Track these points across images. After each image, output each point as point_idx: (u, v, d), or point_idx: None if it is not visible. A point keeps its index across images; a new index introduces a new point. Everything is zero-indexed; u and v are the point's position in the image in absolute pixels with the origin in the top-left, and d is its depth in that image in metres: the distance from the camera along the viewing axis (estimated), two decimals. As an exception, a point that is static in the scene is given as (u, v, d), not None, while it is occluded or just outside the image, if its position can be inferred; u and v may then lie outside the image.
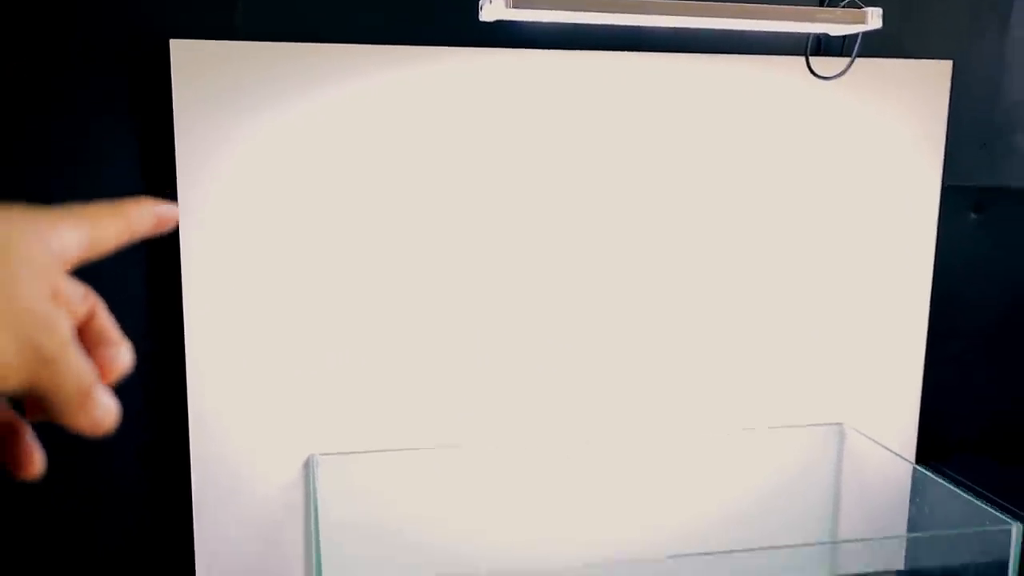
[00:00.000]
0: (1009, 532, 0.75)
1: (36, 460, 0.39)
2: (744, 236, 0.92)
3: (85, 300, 0.39)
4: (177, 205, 0.44)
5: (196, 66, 0.78)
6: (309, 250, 0.83)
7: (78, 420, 0.36)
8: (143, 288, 0.83)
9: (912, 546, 0.98)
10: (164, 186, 0.80)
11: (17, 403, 0.37)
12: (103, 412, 0.37)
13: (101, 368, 0.38)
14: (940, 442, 1.01)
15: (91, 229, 0.38)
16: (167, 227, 0.42)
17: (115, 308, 0.85)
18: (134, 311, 0.83)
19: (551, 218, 0.87)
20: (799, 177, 0.92)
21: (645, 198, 0.89)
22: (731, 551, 0.92)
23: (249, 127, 0.80)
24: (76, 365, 0.36)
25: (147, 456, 0.85)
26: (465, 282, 0.87)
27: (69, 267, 0.37)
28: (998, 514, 0.77)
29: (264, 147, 0.81)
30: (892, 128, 0.93)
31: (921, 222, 0.96)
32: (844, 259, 0.95)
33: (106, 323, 0.40)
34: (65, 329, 0.35)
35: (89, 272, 0.82)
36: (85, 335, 0.39)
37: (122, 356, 0.40)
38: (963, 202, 1.00)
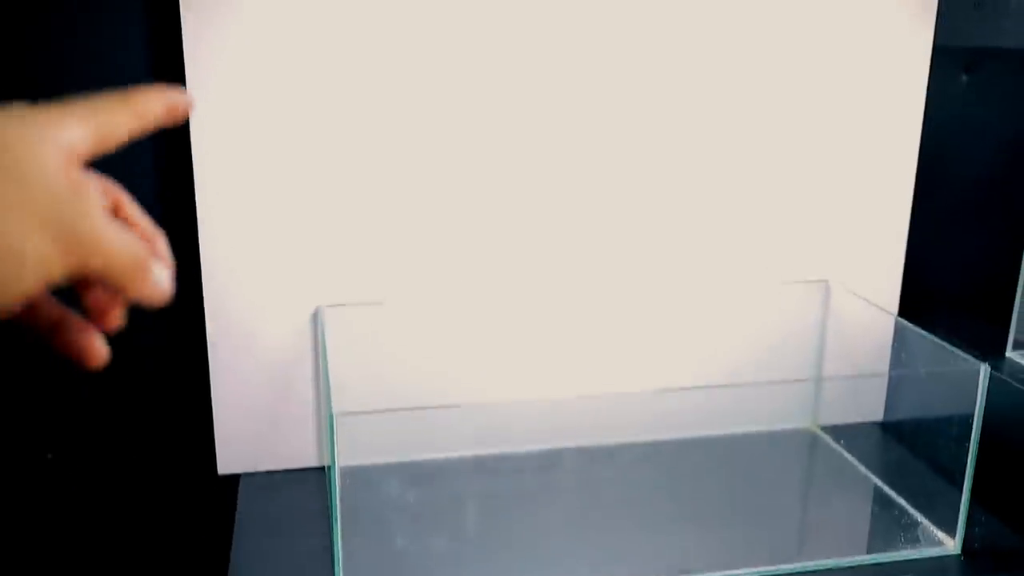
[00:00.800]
0: (977, 372, 0.79)
1: (98, 349, 0.40)
2: (730, 94, 0.94)
3: (107, 194, 0.39)
4: (186, 90, 0.42)
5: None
6: (318, 103, 0.85)
7: (139, 290, 0.37)
8: (151, 143, 0.85)
9: (891, 396, 1.03)
10: (170, 45, 0.82)
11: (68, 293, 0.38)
12: (160, 279, 0.38)
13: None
14: (924, 298, 1.05)
15: (99, 122, 0.37)
16: (180, 116, 0.41)
17: (123, 164, 0.88)
18: (143, 168, 0.86)
19: (548, 82, 0.89)
20: (784, 34, 0.93)
21: (632, 58, 0.91)
22: (718, 385, 0.97)
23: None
24: (120, 238, 0.35)
25: (163, 310, 0.90)
26: (472, 139, 0.89)
27: (81, 162, 0.36)
28: (968, 357, 0.81)
29: (277, 7, 0.82)
30: (885, -13, 0.94)
31: (910, 82, 0.97)
32: (832, 119, 0.97)
33: (135, 214, 0.41)
34: (96, 206, 0.35)
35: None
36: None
37: (160, 245, 0.40)
38: (954, 62, 1.01)
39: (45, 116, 0.35)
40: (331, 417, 0.66)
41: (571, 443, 0.99)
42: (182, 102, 0.41)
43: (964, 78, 1.02)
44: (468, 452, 0.96)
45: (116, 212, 0.40)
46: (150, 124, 0.39)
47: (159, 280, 0.38)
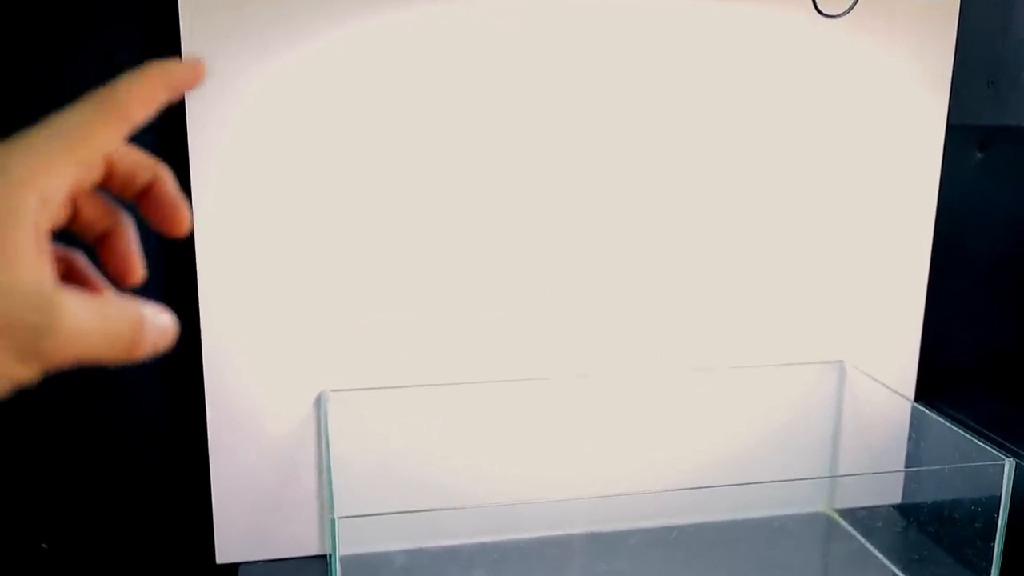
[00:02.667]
0: (1002, 468, 0.76)
1: (137, 266, 0.38)
2: (746, 174, 0.93)
3: (60, 261, 0.35)
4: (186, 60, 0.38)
5: (205, 5, 0.78)
6: (322, 186, 0.84)
7: (138, 354, 0.33)
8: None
9: (908, 481, 1.00)
10: (173, 116, 0.81)
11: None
12: (160, 333, 0.34)
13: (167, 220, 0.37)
14: (940, 378, 1.03)
15: (76, 150, 0.33)
16: (190, 84, 0.37)
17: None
18: (146, 249, 0.85)
19: (556, 157, 0.88)
20: (802, 115, 0.92)
21: (645, 135, 0.90)
22: (731, 484, 0.95)
23: (262, 63, 0.81)
24: (90, 327, 0.31)
25: (163, 395, 0.88)
26: (475, 220, 0.88)
27: (59, 220, 0.33)
28: (991, 449, 0.78)
29: (278, 82, 0.81)
30: (897, 66, 0.93)
31: (925, 160, 0.96)
32: (847, 198, 0.95)
33: (168, 187, 0.38)
34: (59, 315, 0.30)
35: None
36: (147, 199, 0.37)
37: (138, 277, 0.38)
38: (968, 140, 1.00)
39: (6, 176, 0.30)
40: (333, 522, 0.63)
41: (580, 529, 0.96)
42: (195, 68, 0.37)
43: (978, 156, 1.00)
44: (475, 540, 0.93)
45: (71, 278, 0.36)
46: (143, 117, 0.35)
47: (151, 337, 0.34)
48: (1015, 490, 0.77)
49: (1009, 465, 0.76)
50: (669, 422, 0.97)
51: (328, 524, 0.64)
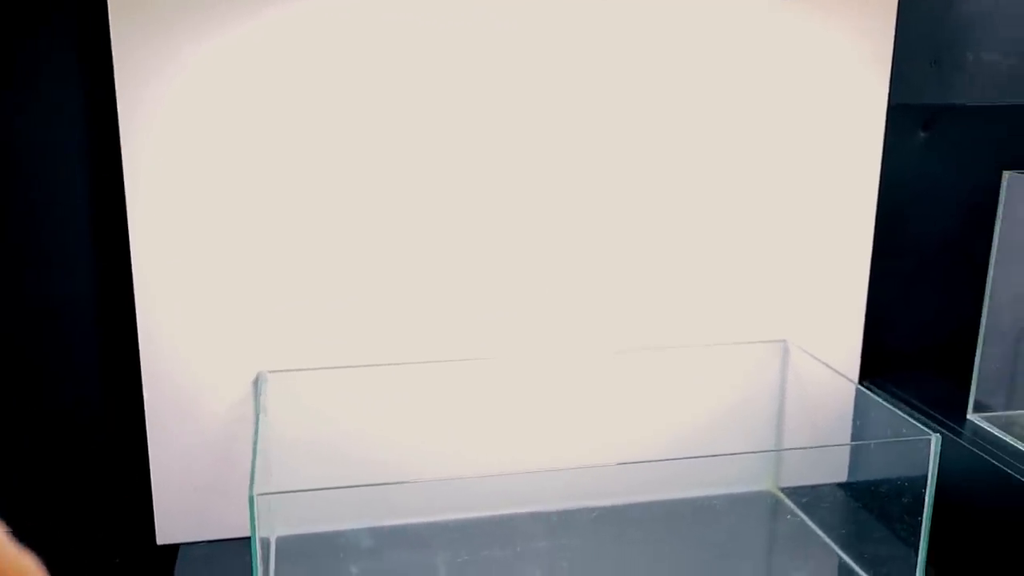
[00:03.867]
0: (929, 442, 0.77)
1: None
2: (687, 154, 0.93)
3: None
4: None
5: (130, -14, 0.78)
6: (257, 165, 0.84)
7: None
8: (86, 205, 0.84)
9: (853, 459, 1.01)
10: (104, 98, 0.81)
11: None
12: None
13: None
14: (884, 358, 1.03)
15: None
16: None
17: (60, 226, 0.87)
18: (79, 231, 0.85)
19: (503, 136, 0.88)
20: (744, 95, 0.92)
21: (588, 115, 0.90)
22: (678, 458, 0.95)
23: (196, 44, 0.80)
24: None
25: (100, 375, 0.88)
26: (412, 195, 0.88)
27: None
28: (920, 426, 0.79)
29: (209, 63, 0.81)
30: (839, 45, 0.93)
31: (868, 140, 0.96)
32: (790, 177, 0.95)
33: None
34: None
35: (30, 183, 0.83)
36: None
37: None
38: (911, 120, 1.00)
39: None
40: (251, 499, 0.63)
41: (525, 509, 0.96)
42: None
43: (921, 135, 1.01)
44: (416, 520, 0.93)
45: None
46: None
47: None
48: (947, 464, 0.78)
49: (936, 440, 0.76)
50: (613, 401, 0.97)
51: (248, 502, 0.64)
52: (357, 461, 0.90)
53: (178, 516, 0.90)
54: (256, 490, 0.65)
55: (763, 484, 1.02)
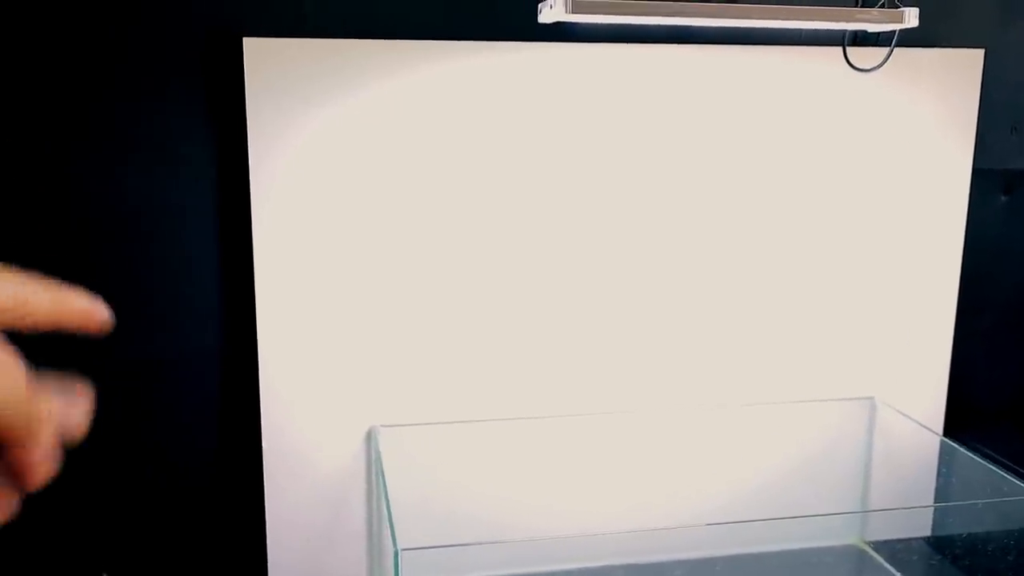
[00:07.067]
0: (1031, 501, 0.79)
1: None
2: (782, 217, 0.96)
3: None
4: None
5: (267, 62, 0.83)
6: (372, 232, 0.88)
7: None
8: (217, 270, 0.88)
9: (938, 515, 1.03)
10: (238, 177, 0.85)
11: None
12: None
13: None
14: (968, 415, 1.05)
15: (22, 297, 0.32)
16: (95, 326, 0.36)
17: (191, 288, 0.91)
18: (208, 293, 0.89)
19: (598, 203, 0.92)
20: (836, 161, 0.96)
21: (686, 179, 0.93)
22: (765, 519, 0.97)
23: (316, 118, 0.85)
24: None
25: (219, 429, 0.91)
26: (519, 262, 0.91)
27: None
28: (1018, 483, 0.81)
29: (330, 137, 0.86)
30: (924, 114, 0.97)
31: (952, 204, 1.00)
32: (877, 239, 0.99)
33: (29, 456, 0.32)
34: None
35: (165, 254, 0.88)
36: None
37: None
38: (993, 185, 1.03)
39: None
40: (396, 555, 0.67)
41: (620, 560, 0.98)
42: (100, 313, 0.36)
43: (1003, 199, 1.04)
44: (518, 571, 0.95)
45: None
46: (66, 320, 0.35)
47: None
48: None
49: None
50: (703, 457, 1.00)
51: (392, 557, 0.67)
52: (464, 516, 0.93)
53: (290, 568, 0.92)
54: (400, 545, 0.68)
55: (850, 538, 1.04)
